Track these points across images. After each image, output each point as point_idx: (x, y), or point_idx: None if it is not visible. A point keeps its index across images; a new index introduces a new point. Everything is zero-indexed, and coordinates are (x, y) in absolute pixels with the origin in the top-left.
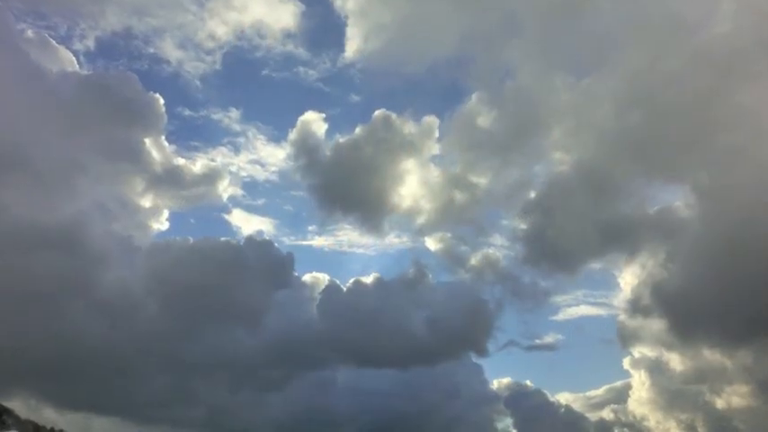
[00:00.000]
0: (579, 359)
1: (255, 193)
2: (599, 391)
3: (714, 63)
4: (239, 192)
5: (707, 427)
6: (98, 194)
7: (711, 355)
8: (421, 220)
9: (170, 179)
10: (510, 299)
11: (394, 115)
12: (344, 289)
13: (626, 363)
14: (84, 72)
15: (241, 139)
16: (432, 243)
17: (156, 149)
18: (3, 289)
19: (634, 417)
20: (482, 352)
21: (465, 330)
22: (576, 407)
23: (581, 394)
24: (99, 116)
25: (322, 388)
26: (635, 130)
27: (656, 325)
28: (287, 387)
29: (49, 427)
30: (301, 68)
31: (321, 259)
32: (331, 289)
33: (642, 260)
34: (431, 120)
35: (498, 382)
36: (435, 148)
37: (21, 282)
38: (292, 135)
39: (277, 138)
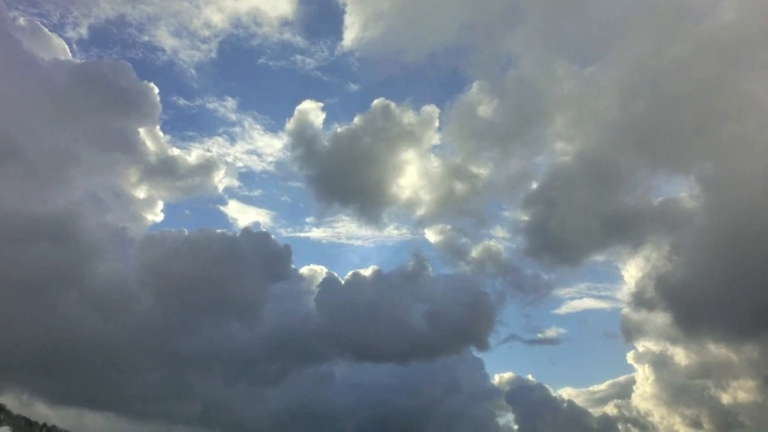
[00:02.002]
0: (582, 353)
1: (252, 184)
2: (602, 386)
3: (719, 51)
4: (235, 182)
5: (712, 422)
6: (91, 185)
7: (717, 350)
8: (420, 211)
9: (165, 170)
10: (511, 292)
11: (393, 104)
12: (343, 282)
13: (630, 357)
14: (78, 60)
15: (237, 129)
16: (431, 235)
17: (151, 139)
18: None
19: (638, 412)
20: (483, 346)
21: (465, 324)
22: (579, 402)
23: (584, 389)
24: (92, 105)
25: (320, 382)
26: (639, 120)
27: (661, 318)
28: (284, 381)
29: (41, 422)
30: (298, 57)
31: (319, 251)
32: (329, 282)
33: (646, 252)
34: (431, 109)
35: (499, 377)
36: (435, 138)
37: (12, 274)
38: (289, 125)
39: (274, 127)
